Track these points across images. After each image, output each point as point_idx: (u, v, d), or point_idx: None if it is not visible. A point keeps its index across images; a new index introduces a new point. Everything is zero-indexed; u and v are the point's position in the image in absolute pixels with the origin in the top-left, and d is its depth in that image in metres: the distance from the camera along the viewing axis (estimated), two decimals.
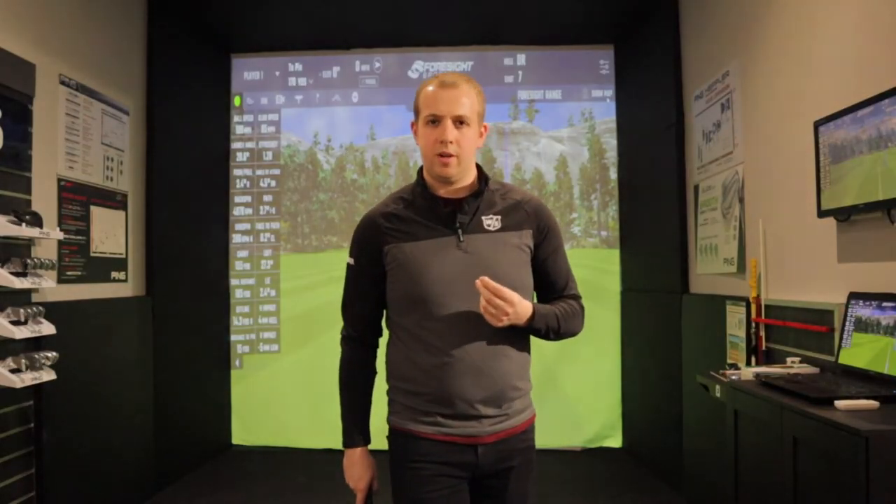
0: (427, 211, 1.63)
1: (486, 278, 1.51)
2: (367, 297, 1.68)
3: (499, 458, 1.63)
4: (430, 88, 1.61)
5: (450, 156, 1.58)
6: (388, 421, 1.69)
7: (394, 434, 1.66)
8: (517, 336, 1.63)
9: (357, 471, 1.69)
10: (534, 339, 1.72)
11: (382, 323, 1.75)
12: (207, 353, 4.88)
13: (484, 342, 1.58)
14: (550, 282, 1.72)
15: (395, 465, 1.65)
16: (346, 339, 1.74)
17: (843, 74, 2.48)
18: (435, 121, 1.59)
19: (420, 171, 1.69)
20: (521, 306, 1.56)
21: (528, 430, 1.69)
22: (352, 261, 1.69)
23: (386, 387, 1.71)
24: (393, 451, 1.66)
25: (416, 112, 1.65)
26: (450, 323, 1.56)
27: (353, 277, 1.69)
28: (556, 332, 1.66)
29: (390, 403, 1.69)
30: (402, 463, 1.62)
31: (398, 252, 1.60)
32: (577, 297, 1.75)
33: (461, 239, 1.60)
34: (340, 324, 1.77)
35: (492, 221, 1.63)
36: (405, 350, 1.62)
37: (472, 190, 1.65)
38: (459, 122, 1.59)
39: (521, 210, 1.68)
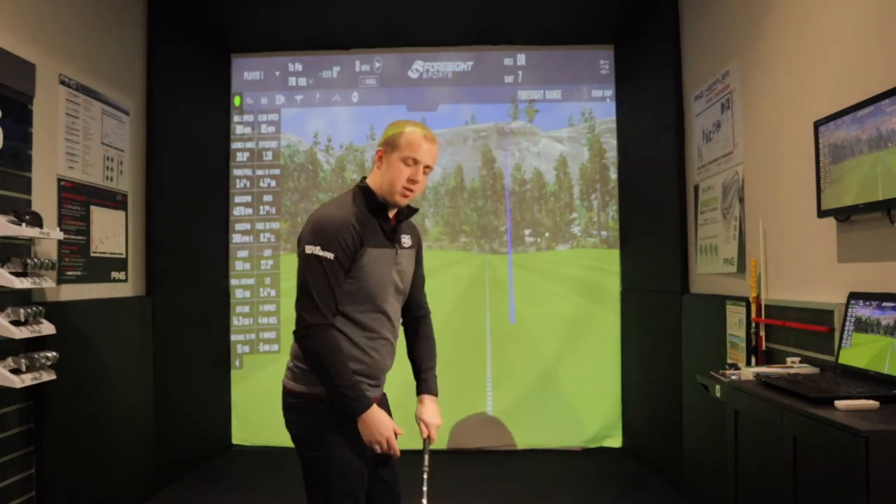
0: (378, 224, 2.01)
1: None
2: (338, 288, 1.94)
3: None
4: (417, 134, 1.97)
5: (412, 192, 1.98)
6: (310, 389, 1.98)
7: (325, 401, 1.94)
8: None
9: (383, 418, 1.95)
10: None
11: None
12: (207, 353, 4.87)
13: (396, 330, 2.11)
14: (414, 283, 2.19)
15: (329, 426, 1.94)
16: (320, 327, 1.95)
17: (843, 74, 2.48)
18: (412, 164, 1.96)
19: (368, 188, 2.01)
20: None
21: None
22: (330, 255, 1.91)
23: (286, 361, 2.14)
24: (325, 414, 1.94)
25: (393, 145, 1.98)
26: (385, 314, 2.03)
27: (331, 270, 1.92)
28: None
29: (310, 374, 1.99)
30: (341, 424, 1.93)
31: (366, 253, 1.96)
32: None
33: (397, 253, 2.05)
34: None
35: (406, 240, 2.10)
36: (343, 333, 1.98)
37: (398, 215, 2.07)
38: (426, 170, 2.00)
39: (415, 232, 2.18)
